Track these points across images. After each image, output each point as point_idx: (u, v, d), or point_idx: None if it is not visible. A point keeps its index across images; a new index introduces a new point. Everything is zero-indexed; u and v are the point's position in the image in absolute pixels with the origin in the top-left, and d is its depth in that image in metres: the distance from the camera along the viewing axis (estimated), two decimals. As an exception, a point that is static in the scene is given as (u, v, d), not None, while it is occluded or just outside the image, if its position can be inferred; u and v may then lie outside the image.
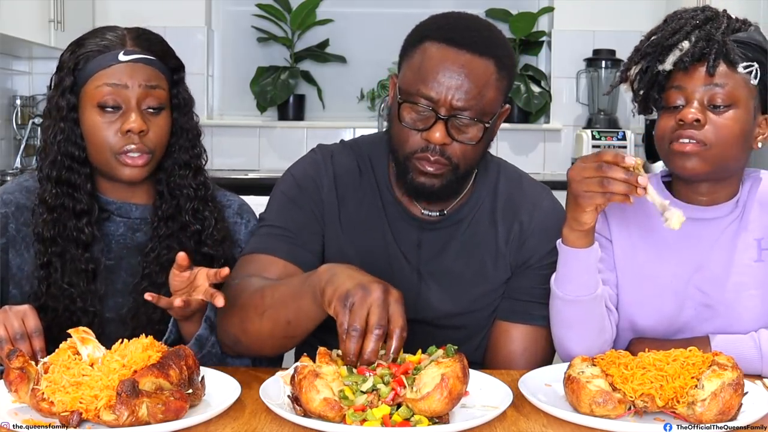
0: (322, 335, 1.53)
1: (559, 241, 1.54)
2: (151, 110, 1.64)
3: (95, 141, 1.64)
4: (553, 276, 1.57)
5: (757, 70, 1.54)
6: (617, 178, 1.40)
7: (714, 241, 1.62)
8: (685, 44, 1.55)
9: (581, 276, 1.53)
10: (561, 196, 2.21)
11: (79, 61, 1.65)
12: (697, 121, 1.52)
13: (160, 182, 1.72)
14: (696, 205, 1.62)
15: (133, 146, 1.62)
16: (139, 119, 1.61)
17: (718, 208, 1.62)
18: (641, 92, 1.63)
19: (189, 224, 1.71)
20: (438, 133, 1.51)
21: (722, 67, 1.53)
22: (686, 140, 1.53)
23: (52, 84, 1.69)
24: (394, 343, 1.29)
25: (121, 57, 1.63)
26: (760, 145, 1.60)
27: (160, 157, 1.69)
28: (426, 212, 1.67)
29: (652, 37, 1.61)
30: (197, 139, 1.76)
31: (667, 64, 1.57)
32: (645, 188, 1.40)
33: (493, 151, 1.72)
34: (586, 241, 1.51)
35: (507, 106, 1.62)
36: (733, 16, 1.59)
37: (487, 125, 1.54)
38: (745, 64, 1.53)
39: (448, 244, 1.67)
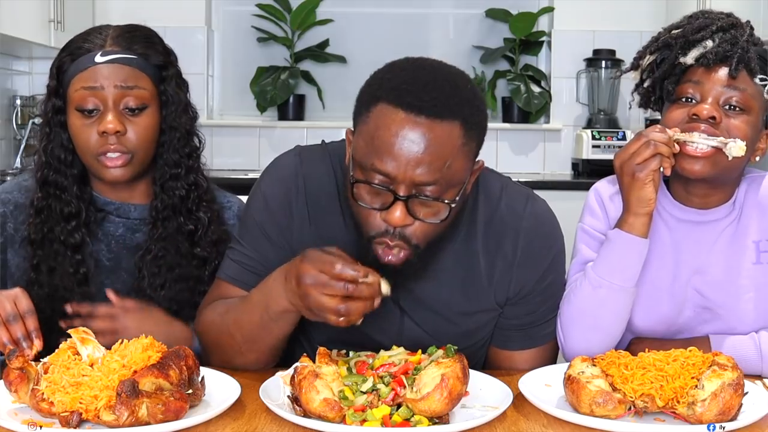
0: (331, 334, 1.51)
1: (613, 230, 1.54)
2: (130, 111, 1.63)
3: (78, 144, 1.64)
4: (591, 266, 1.55)
5: None
6: (659, 139, 1.48)
7: (712, 244, 1.62)
8: (709, 43, 1.55)
9: (633, 266, 1.53)
10: (560, 196, 2.22)
11: (62, 63, 1.65)
12: (713, 118, 1.52)
13: (155, 182, 1.71)
14: (691, 207, 1.62)
15: (110, 147, 1.61)
16: (115, 120, 1.60)
17: (714, 211, 1.62)
18: (648, 84, 1.63)
19: (183, 225, 1.70)
20: (398, 213, 1.34)
21: (743, 73, 1.53)
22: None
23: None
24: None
25: (98, 58, 1.62)
26: (757, 159, 1.60)
27: (146, 157, 1.67)
28: None
29: (674, 31, 1.61)
30: (189, 137, 1.73)
31: (689, 58, 1.56)
32: (677, 146, 1.50)
33: (492, 150, 1.70)
34: (646, 229, 1.52)
35: (480, 161, 1.46)
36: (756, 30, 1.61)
37: (453, 205, 1.37)
38: (761, 76, 1.54)
39: (426, 281, 1.54)
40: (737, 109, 1.53)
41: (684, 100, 1.56)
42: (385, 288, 1.34)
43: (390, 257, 1.40)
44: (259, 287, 1.48)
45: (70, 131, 1.65)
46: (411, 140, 1.32)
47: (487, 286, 1.57)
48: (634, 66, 1.66)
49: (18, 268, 1.67)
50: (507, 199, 1.57)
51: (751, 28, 1.60)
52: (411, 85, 1.36)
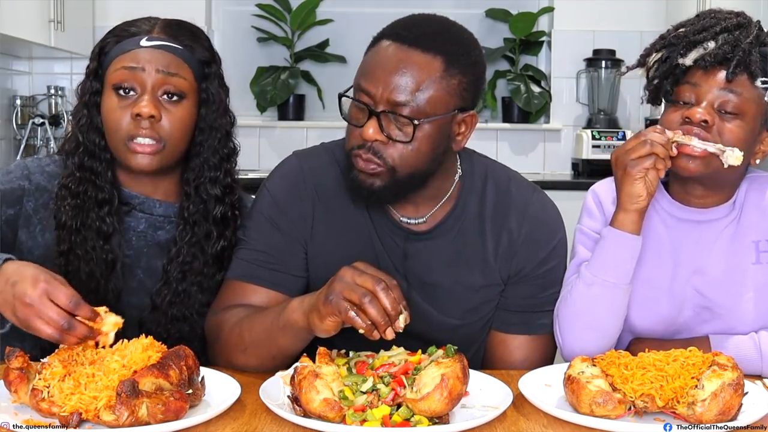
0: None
1: (606, 228, 1.55)
2: (168, 98, 1.59)
3: (109, 125, 1.60)
4: (585, 265, 1.57)
5: None
6: (658, 141, 1.48)
7: (711, 244, 1.62)
8: (711, 44, 1.54)
9: (625, 263, 1.54)
10: (560, 196, 2.22)
11: (105, 45, 1.63)
12: (705, 122, 1.51)
13: (188, 183, 1.66)
14: (691, 207, 1.62)
15: (142, 131, 1.57)
16: (150, 104, 1.56)
17: (714, 211, 1.62)
18: (655, 81, 1.63)
19: (213, 231, 1.66)
20: (370, 129, 1.46)
21: (742, 76, 1.52)
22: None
23: None
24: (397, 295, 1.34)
25: (143, 42, 1.60)
26: (758, 161, 1.60)
27: (177, 151, 1.62)
28: (405, 219, 1.61)
29: (680, 29, 1.60)
30: (228, 139, 1.68)
31: (688, 60, 1.56)
32: (675, 149, 1.50)
33: (492, 150, 1.72)
34: (637, 227, 1.53)
35: (471, 112, 1.54)
36: (765, 30, 1.58)
37: (416, 123, 1.45)
38: (763, 78, 1.52)
39: (435, 256, 1.61)
40: (732, 113, 1.52)
41: (681, 102, 1.56)
42: (403, 318, 1.35)
43: (363, 166, 1.49)
44: (276, 314, 1.48)
45: (103, 112, 1.61)
46: (392, 64, 1.46)
47: (494, 261, 1.63)
48: (641, 63, 1.66)
49: (30, 251, 1.62)
50: (515, 186, 1.67)
51: (760, 29, 1.57)
52: (406, 23, 1.53)
